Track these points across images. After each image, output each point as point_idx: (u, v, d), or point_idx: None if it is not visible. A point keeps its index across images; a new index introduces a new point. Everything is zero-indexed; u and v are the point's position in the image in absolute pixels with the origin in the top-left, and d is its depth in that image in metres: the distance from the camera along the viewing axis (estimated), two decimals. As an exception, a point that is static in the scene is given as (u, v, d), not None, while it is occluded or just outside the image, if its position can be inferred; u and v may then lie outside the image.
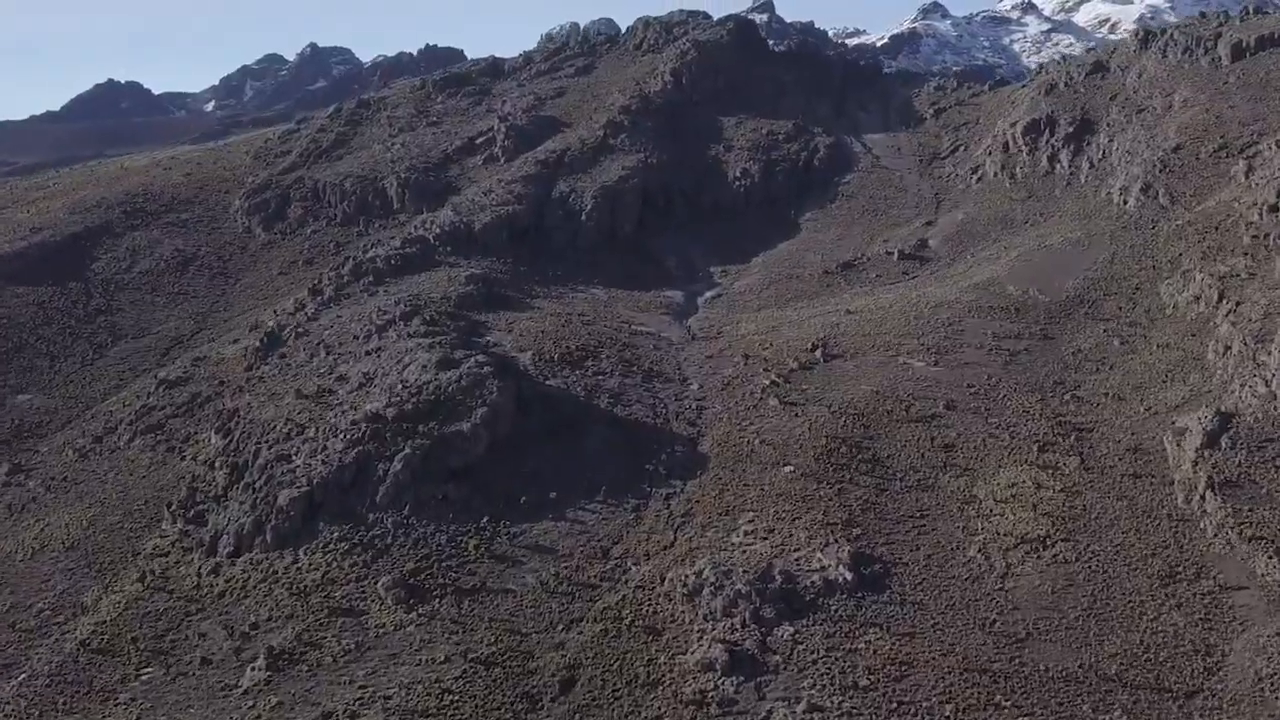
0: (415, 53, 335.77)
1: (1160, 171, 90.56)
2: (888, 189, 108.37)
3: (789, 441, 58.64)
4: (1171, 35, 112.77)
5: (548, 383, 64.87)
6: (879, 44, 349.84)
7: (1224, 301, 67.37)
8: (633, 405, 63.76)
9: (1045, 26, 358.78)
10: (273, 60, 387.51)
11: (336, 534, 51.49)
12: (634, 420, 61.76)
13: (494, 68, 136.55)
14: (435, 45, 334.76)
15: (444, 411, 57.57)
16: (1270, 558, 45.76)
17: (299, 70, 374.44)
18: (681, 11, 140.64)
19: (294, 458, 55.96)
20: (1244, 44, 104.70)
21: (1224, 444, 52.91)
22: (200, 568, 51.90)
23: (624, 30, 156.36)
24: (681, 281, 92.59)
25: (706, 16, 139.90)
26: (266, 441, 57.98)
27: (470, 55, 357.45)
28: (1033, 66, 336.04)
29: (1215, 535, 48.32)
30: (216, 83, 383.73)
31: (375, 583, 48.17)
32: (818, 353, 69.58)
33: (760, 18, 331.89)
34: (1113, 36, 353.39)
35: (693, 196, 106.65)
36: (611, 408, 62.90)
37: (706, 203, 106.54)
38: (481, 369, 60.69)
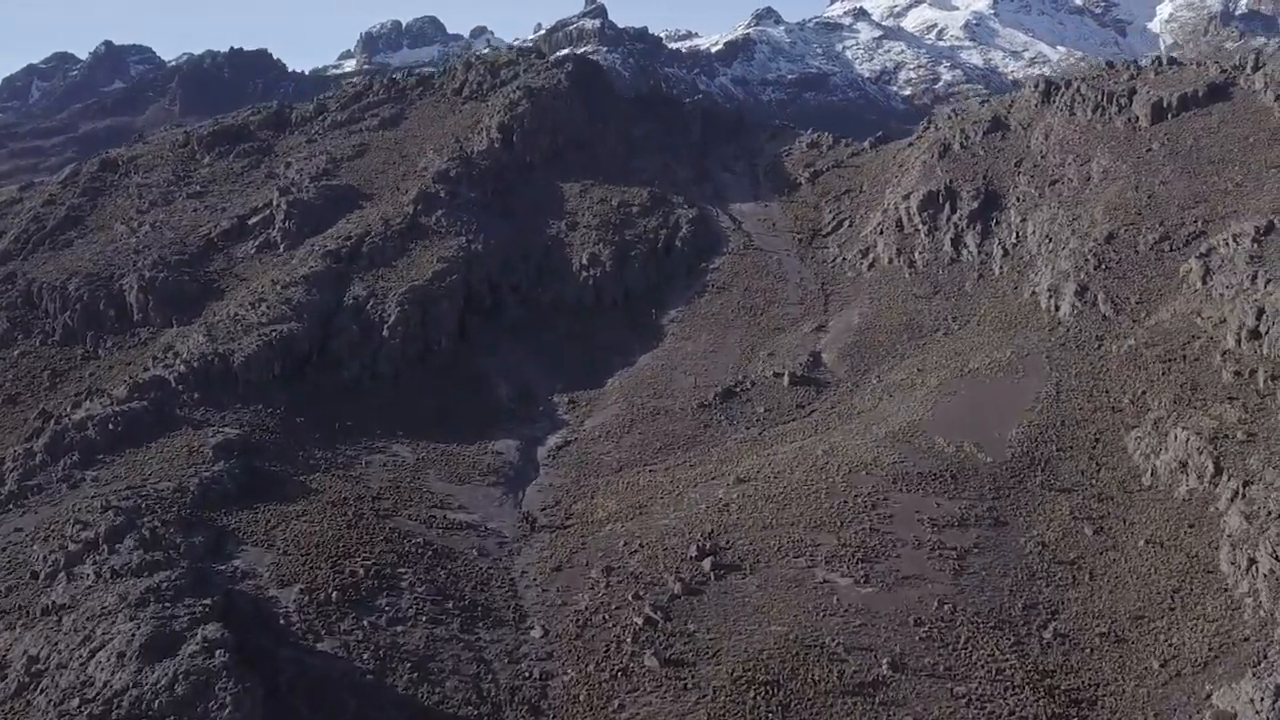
0: (222, 54, 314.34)
1: (1095, 269, 78.18)
2: (765, 277, 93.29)
3: (678, 745, 41.62)
4: (1078, 89, 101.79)
5: (319, 647, 46.04)
6: (713, 49, 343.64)
7: (1224, 476, 54.10)
8: (446, 680, 45.58)
9: (876, 33, 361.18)
10: (63, 59, 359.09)
11: None
12: (449, 716, 43.47)
13: (278, 117, 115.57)
14: (242, 49, 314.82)
15: (144, 747, 38.18)
16: None
17: (92, 70, 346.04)
18: (511, 49, 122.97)
19: None
20: (1165, 103, 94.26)
21: (1298, 749, 38.50)
22: None
23: (442, 59, 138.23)
24: (516, 419, 74.77)
25: (540, 56, 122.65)
26: None
27: (277, 54, 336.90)
28: (865, 74, 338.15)
29: None
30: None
31: None
32: (706, 562, 52.92)
33: (593, 23, 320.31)
34: (940, 43, 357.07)
35: (529, 293, 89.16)
36: (414, 690, 44.55)
37: (546, 300, 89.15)
38: (212, 655, 41.42)
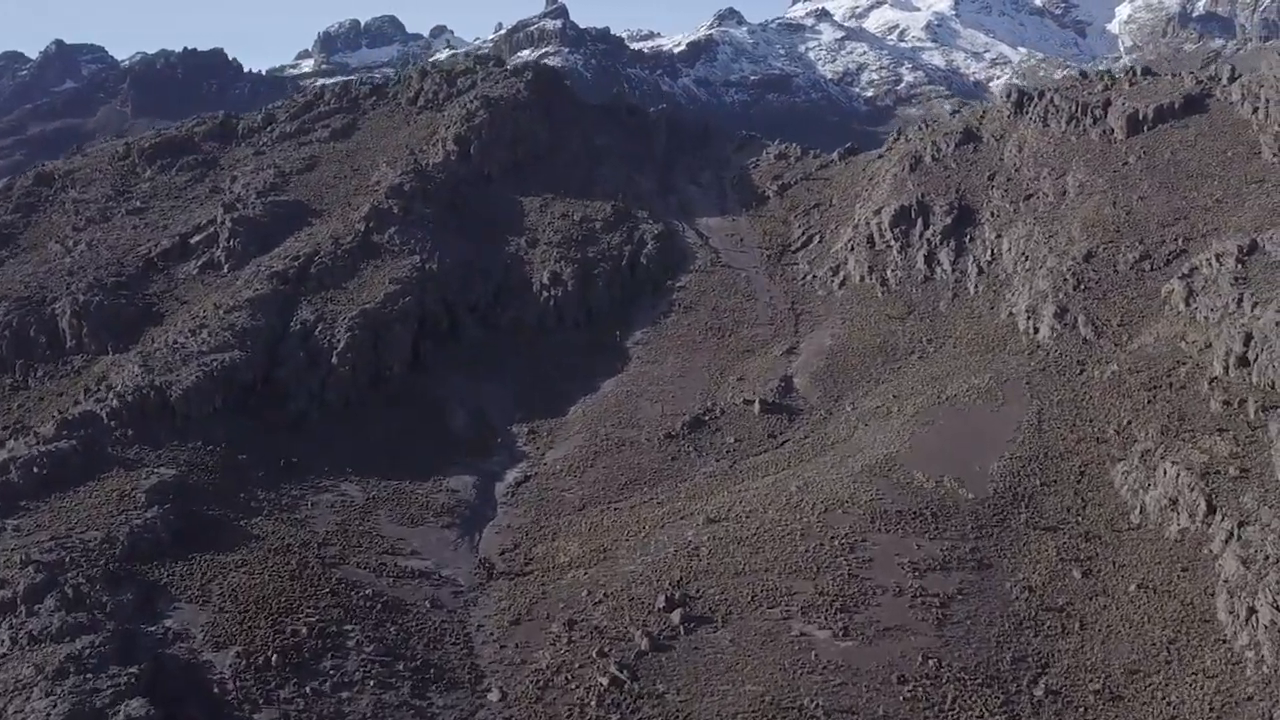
0: (176, 54, 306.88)
1: (1074, 289, 76.14)
2: (733, 296, 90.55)
3: (647, 827, 38.67)
4: (1051, 100, 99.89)
5: (256, 718, 42.70)
6: (676, 50, 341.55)
7: (1217, 515, 51.96)
8: (396, 754, 42.32)
9: (839, 34, 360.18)
10: (12, 58, 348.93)
11: None
12: (397, 797, 40.37)
13: (224, 128, 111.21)
14: (195, 49, 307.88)
15: (56, 846, 34.77)
16: None
17: (42, 70, 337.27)
18: (469, 55, 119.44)
19: None
20: (1140, 116, 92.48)
21: (1312, 827, 36.16)
22: None
23: (398, 68, 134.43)
24: (473, 451, 71.47)
25: (499, 64, 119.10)
26: None
27: (233, 53, 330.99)
28: (828, 75, 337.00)
29: None
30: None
31: None
32: (675, 614, 50.04)
33: (554, 23, 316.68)
34: (902, 44, 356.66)
35: (487, 314, 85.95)
36: (360, 768, 41.27)
37: (505, 321, 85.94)
38: (135, 736, 38.19)
